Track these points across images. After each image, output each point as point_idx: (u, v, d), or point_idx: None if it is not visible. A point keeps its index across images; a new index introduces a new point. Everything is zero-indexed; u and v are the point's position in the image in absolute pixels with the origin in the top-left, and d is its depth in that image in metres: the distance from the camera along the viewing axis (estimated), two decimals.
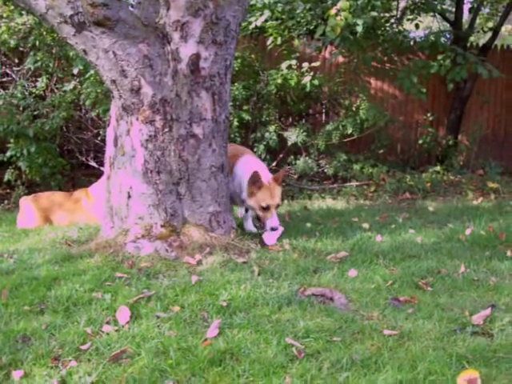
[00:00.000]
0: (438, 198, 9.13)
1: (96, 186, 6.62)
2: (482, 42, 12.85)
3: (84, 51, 4.77)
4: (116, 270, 4.40)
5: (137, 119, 4.82)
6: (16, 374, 2.91)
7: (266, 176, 5.57)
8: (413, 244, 5.46)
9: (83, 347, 3.19)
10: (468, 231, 5.88)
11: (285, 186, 9.04)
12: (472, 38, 13.38)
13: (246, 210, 5.95)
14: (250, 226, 5.84)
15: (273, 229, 5.39)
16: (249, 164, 5.72)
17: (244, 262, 4.67)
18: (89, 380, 2.85)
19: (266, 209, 5.43)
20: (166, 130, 4.82)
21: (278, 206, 5.51)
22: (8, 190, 8.91)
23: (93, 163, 9.16)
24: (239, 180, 5.66)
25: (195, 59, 4.82)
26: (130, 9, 4.88)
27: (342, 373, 2.90)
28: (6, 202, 8.20)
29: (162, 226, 4.88)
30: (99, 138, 8.85)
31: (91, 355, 3.11)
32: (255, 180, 5.38)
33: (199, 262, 4.62)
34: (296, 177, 9.75)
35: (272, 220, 5.42)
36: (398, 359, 3.03)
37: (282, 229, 5.43)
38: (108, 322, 3.51)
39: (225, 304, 3.72)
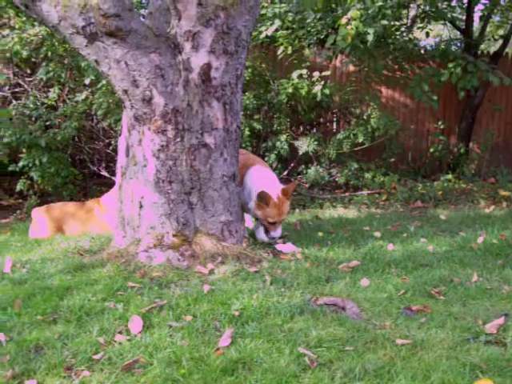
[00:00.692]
0: (450, 207, 9.10)
1: (108, 195, 6.65)
2: (492, 49, 12.81)
3: (96, 62, 4.79)
4: (128, 280, 4.41)
5: (149, 129, 4.83)
6: None
7: (276, 187, 5.62)
8: (425, 253, 5.44)
9: (96, 357, 3.19)
10: (480, 239, 5.86)
11: (296, 196, 9.06)
12: (483, 46, 13.37)
13: (257, 220, 5.96)
14: (261, 235, 5.83)
15: (273, 238, 5.57)
16: (259, 174, 5.75)
17: (256, 272, 4.66)
18: None
19: (272, 223, 5.53)
20: (178, 139, 4.83)
21: (284, 219, 5.60)
22: (20, 200, 8.97)
23: (105, 173, 9.20)
24: (249, 190, 5.69)
25: (206, 69, 4.83)
26: (142, 19, 4.90)
27: (355, 382, 2.89)
28: (18, 211, 8.23)
29: (173, 236, 4.89)
30: (111, 148, 8.89)
31: (104, 365, 3.11)
32: (263, 197, 5.44)
33: (211, 272, 4.62)
34: (307, 186, 9.74)
35: (276, 232, 5.58)
36: (411, 369, 3.02)
37: (294, 248, 5.49)
38: (120, 332, 3.51)
39: (237, 313, 3.71)
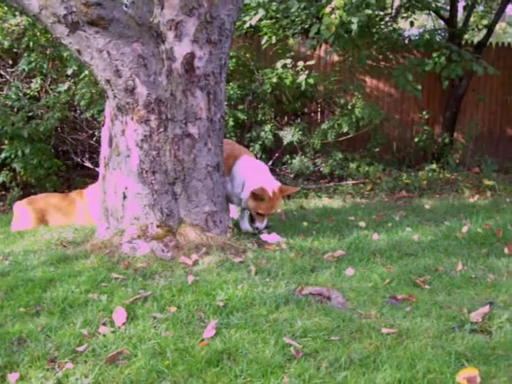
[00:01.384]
0: (435, 196, 9.12)
1: (91, 188, 6.59)
2: (476, 40, 12.82)
3: (78, 51, 4.74)
4: (112, 271, 4.37)
5: (131, 119, 4.79)
6: (12, 377, 2.90)
7: (270, 180, 5.62)
8: (410, 242, 5.44)
9: (79, 349, 3.17)
10: (465, 229, 5.86)
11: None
12: (467, 36, 13.40)
13: (242, 210, 5.93)
14: (246, 225, 5.82)
15: (257, 228, 5.59)
16: (250, 166, 5.74)
17: (241, 262, 4.64)
18: (85, 382, 2.83)
19: (261, 215, 5.53)
20: (161, 129, 4.79)
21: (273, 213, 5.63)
22: (3, 192, 8.88)
23: (88, 164, 9.14)
24: (239, 181, 5.67)
25: (190, 58, 4.79)
26: (124, 8, 4.85)
27: (341, 372, 2.89)
28: (0, 203, 8.16)
29: (157, 226, 4.85)
30: (94, 139, 8.83)
31: (87, 357, 3.09)
32: (260, 193, 5.44)
33: (195, 262, 4.59)
34: (292, 176, 9.72)
35: (261, 223, 5.60)
36: (397, 358, 3.02)
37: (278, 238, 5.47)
38: (104, 324, 3.49)
39: (222, 304, 3.69)
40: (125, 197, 4.90)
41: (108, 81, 4.74)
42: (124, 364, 3.00)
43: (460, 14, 12.80)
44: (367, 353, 3.07)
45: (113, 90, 4.77)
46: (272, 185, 5.57)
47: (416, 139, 11.41)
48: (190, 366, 2.94)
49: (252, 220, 5.66)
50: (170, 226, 4.88)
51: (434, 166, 10.60)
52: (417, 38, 12.03)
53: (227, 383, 2.80)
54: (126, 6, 4.94)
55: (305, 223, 6.28)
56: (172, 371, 2.90)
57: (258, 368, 2.90)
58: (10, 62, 9.06)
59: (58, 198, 6.77)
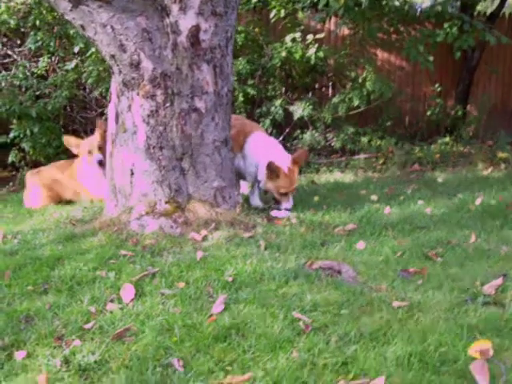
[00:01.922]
0: (448, 169, 9.03)
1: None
2: (489, 11, 12.61)
3: (82, 26, 4.67)
4: (120, 248, 4.35)
5: (137, 94, 4.73)
6: (19, 355, 2.88)
7: (284, 156, 5.56)
8: (422, 215, 5.38)
9: (87, 326, 3.14)
10: (478, 201, 5.80)
11: None
12: (479, 8, 13.17)
13: (252, 186, 5.88)
14: (256, 200, 5.77)
15: (287, 209, 5.47)
16: (263, 143, 5.66)
17: (250, 237, 4.60)
18: (92, 359, 2.80)
19: (284, 194, 5.47)
20: (168, 104, 4.73)
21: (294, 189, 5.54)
22: (14, 172, 8.87)
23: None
24: (253, 161, 5.62)
25: (195, 31, 4.71)
26: None
27: (350, 346, 2.84)
28: (11, 183, 8.15)
29: (166, 203, 4.81)
30: (104, 118, 8.77)
31: (95, 334, 3.07)
32: (273, 169, 5.38)
33: (204, 238, 4.55)
34: None
35: (288, 203, 5.52)
36: (408, 331, 2.97)
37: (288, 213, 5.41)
38: (112, 301, 3.47)
39: (230, 279, 3.66)
40: (132, 173, 4.86)
41: (113, 56, 4.68)
42: (131, 341, 2.97)
43: None
44: (377, 326, 3.02)
45: (118, 66, 4.71)
46: (285, 160, 5.49)
47: (428, 112, 11.26)
48: (198, 341, 2.90)
49: (277, 202, 5.60)
50: (178, 202, 4.84)
51: (446, 139, 10.49)
52: (428, 9, 11.83)
53: (235, 358, 2.76)
54: None
55: (316, 198, 6.22)
56: (179, 347, 2.87)
57: (266, 343, 2.86)
58: (18, 41, 8.99)
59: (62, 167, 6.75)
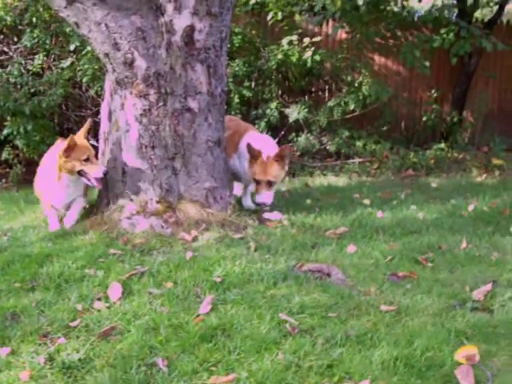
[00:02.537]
0: (442, 175, 9.03)
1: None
2: (487, 18, 12.62)
3: (76, 24, 4.66)
4: (110, 247, 4.34)
5: (131, 93, 4.72)
6: (3, 351, 2.89)
7: (271, 148, 5.52)
8: (414, 220, 5.38)
9: (72, 324, 3.15)
10: (471, 207, 5.81)
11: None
12: (477, 15, 13.19)
13: (245, 187, 5.86)
14: (248, 202, 5.75)
15: (258, 204, 5.44)
16: (257, 142, 5.62)
17: (241, 238, 4.58)
18: (76, 357, 2.80)
19: (258, 183, 5.40)
20: (161, 103, 4.71)
21: (270, 183, 5.41)
22: (7, 170, 8.84)
23: (93, 142, 9.05)
24: (247, 158, 5.58)
25: (189, 31, 4.70)
26: None
27: (337, 349, 2.84)
28: (3, 180, 8.13)
29: (157, 202, 4.79)
30: (99, 117, 8.74)
31: (80, 332, 3.08)
32: (252, 151, 5.33)
33: (195, 238, 4.54)
34: (298, 154, 9.63)
35: (260, 196, 5.42)
36: (395, 335, 2.97)
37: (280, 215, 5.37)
38: (99, 299, 3.47)
39: (219, 280, 3.65)
40: (124, 172, 4.84)
41: (107, 54, 4.67)
42: (116, 339, 2.96)
43: None
44: (364, 330, 3.02)
45: (111, 64, 4.70)
46: (270, 151, 5.46)
47: (424, 118, 11.27)
48: (184, 341, 2.90)
49: (255, 192, 5.54)
50: (169, 201, 4.82)
51: (442, 144, 10.49)
52: (425, 14, 11.84)
53: (220, 359, 2.75)
54: None
55: (308, 200, 6.21)
56: (165, 347, 2.86)
57: (252, 344, 2.85)
58: (15, 39, 8.96)
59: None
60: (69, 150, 4.69)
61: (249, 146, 5.32)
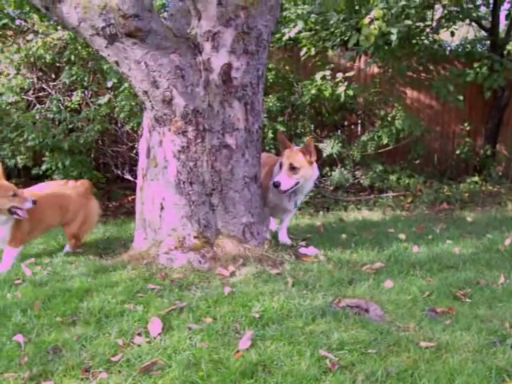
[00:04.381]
0: (477, 209, 8.97)
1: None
2: None
3: (116, 63, 4.77)
4: (148, 282, 4.38)
5: (169, 130, 4.80)
6: None
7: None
8: (450, 255, 5.35)
9: (114, 359, 3.16)
10: (507, 241, 5.76)
11: (320, 198, 9.00)
12: (510, 47, 13.19)
13: (281, 222, 5.90)
14: (284, 237, 5.77)
15: (274, 184, 5.40)
16: None
17: (278, 274, 4.61)
18: None
19: (281, 165, 5.48)
20: (199, 140, 4.79)
21: (292, 168, 5.43)
22: None
23: (128, 176, 9.17)
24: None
25: (227, 69, 4.79)
26: (162, 20, 4.86)
27: None
28: None
29: (195, 238, 4.84)
30: (134, 152, 8.86)
31: (122, 367, 3.09)
32: (280, 139, 5.71)
33: (232, 274, 4.57)
34: (331, 188, 9.66)
35: (279, 175, 5.43)
36: (435, 372, 2.95)
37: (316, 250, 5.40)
38: (139, 334, 3.49)
39: (257, 315, 3.66)
40: (162, 208, 4.91)
41: (146, 92, 4.76)
42: (158, 374, 2.98)
43: (502, 25, 12.61)
44: (405, 366, 3.01)
45: (150, 101, 4.79)
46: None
47: (457, 151, 11.25)
48: (224, 377, 2.91)
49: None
50: (207, 237, 4.87)
51: (475, 178, 10.45)
52: (458, 48, 11.87)
53: None
54: (165, 19, 4.95)
55: (343, 235, 6.22)
56: (206, 382, 2.88)
57: (292, 380, 2.86)
58: (53, 76, 9.15)
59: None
60: None
61: (280, 135, 5.70)
